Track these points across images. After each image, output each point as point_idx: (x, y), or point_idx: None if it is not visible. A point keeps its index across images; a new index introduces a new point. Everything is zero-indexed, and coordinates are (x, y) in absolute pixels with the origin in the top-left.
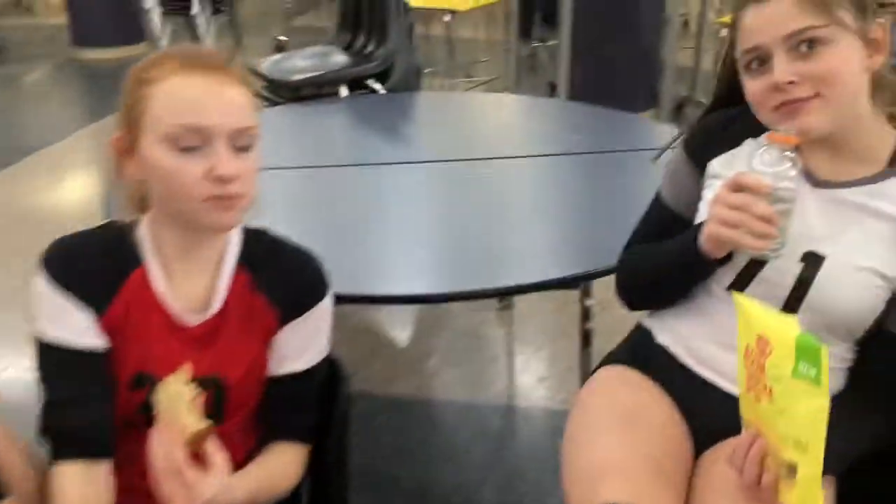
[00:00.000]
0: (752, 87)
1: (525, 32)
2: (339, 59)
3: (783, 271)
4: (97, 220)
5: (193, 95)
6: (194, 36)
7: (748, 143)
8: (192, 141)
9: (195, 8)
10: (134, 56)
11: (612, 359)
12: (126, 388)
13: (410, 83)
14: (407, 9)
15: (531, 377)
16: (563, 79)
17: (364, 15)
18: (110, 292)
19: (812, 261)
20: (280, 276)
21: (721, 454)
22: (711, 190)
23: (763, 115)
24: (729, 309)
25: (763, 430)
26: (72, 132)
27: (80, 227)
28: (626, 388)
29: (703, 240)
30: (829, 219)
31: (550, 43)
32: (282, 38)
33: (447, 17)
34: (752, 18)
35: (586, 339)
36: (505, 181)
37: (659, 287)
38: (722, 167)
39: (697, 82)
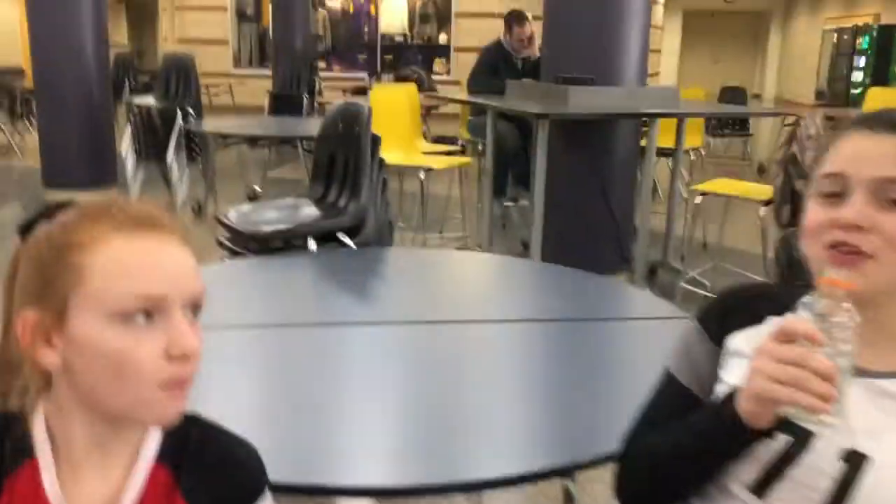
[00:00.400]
0: (814, 215)
1: (498, 191)
2: (310, 211)
3: (818, 471)
4: None
5: (143, 260)
6: (166, 182)
7: (771, 321)
8: (143, 313)
9: (170, 155)
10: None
11: None
12: None
13: (382, 238)
14: (381, 164)
15: None
16: (536, 238)
17: (337, 168)
18: None
19: (855, 461)
20: (207, 474)
21: None
22: (730, 370)
23: (811, 248)
24: None
25: None
26: None
27: None
28: None
29: (744, 404)
30: (872, 413)
31: (522, 203)
32: (255, 187)
33: (422, 174)
34: (851, 145)
35: None
36: (478, 348)
37: (678, 477)
38: (745, 343)
39: (669, 247)
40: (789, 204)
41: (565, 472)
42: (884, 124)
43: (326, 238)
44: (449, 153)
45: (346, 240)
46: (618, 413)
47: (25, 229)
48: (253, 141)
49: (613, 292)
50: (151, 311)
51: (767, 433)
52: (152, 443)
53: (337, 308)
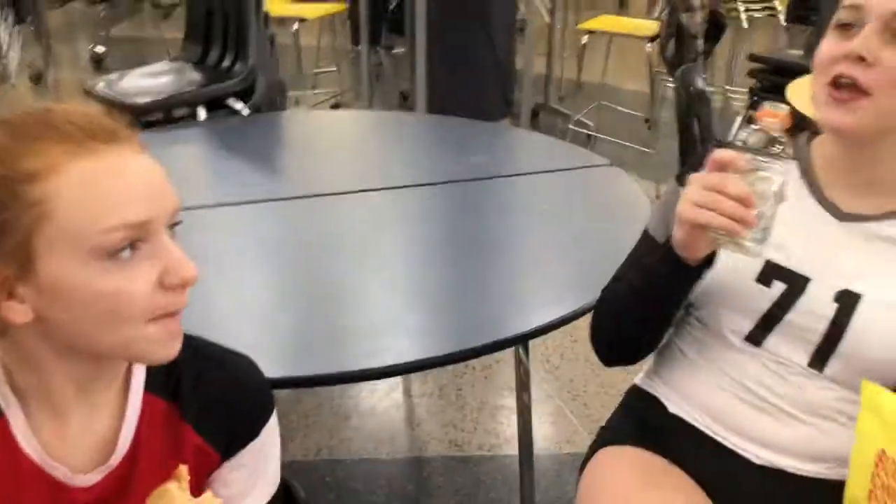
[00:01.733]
0: (826, 46)
1: (372, 40)
2: (192, 76)
3: (814, 314)
4: None
5: (118, 182)
6: None
7: None
8: (129, 242)
9: None
10: None
11: (612, 436)
12: None
13: (274, 101)
14: (267, 19)
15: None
16: (421, 90)
17: (216, 25)
18: None
19: (847, 300)
20: (213, 392)
21: None
22: None
23: (816, 84)
24: (756, 363)
25: None
26: None
27: None
28: (646, 477)
29: (676, 234)
30: (861, 255)
31: (397, 51)
32: (99, 49)
33: (295, 26)
34: None
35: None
36: (407, 212)
37: (643, 316)
38: None
39: (550, 90)
40: (674, 38)
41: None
42: None
43: (212, 105)
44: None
45: (238, 105)
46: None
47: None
48: None
49: (529, 144)
50: (136, 239)
51: (708, 264)
52: (139, 373)
53: (239, 183)
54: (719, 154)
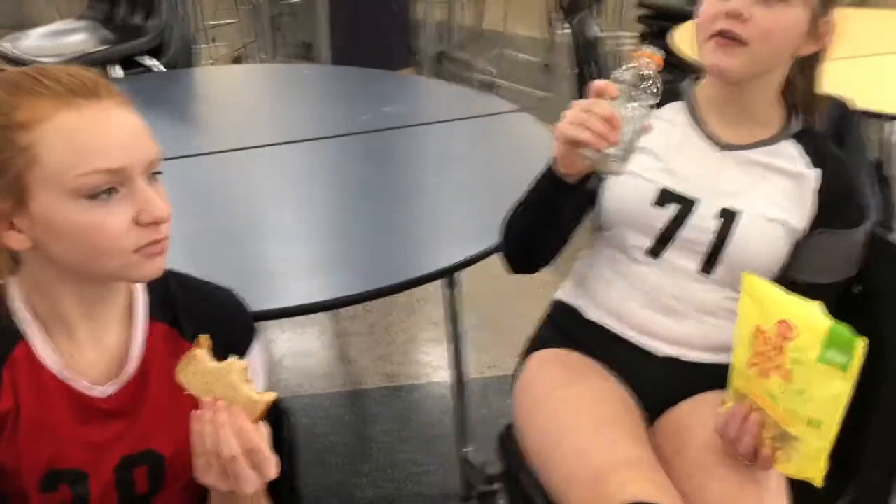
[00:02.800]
0: (708, 7)
1: None
2: (103, 34)
3: (702, 229)
4: None
5: (96, 133)
6: None
7: (653, 114)
8: (107, 186)
9: None
10: None
11: (539, 343)
12: (37, 493)
13: (188, 57)
14: None
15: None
16: (324, 41)
17: None
18: None
19: (728, 216)
20: (205, 320)
21: (682, 420)
22: None
23: (700, 37)
24: (656, 272)
25: (764, 404)
26: None
27: None
28: (571, 370)
29: (555, 151)
30: (738, 177)
31: (296, 1)
32: None
33: None
34: None
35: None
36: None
37: (532, 226)
38: None
39: (452, 37)
40: None
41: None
42: None
43: (125, 63)
44: None
45: (153, 62)
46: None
47: None
48: None
49: (440, 93)
50: (114, 184)
51: (583, 182)
52: (141, 298)
53: (159, 140)
54: (596, 83)
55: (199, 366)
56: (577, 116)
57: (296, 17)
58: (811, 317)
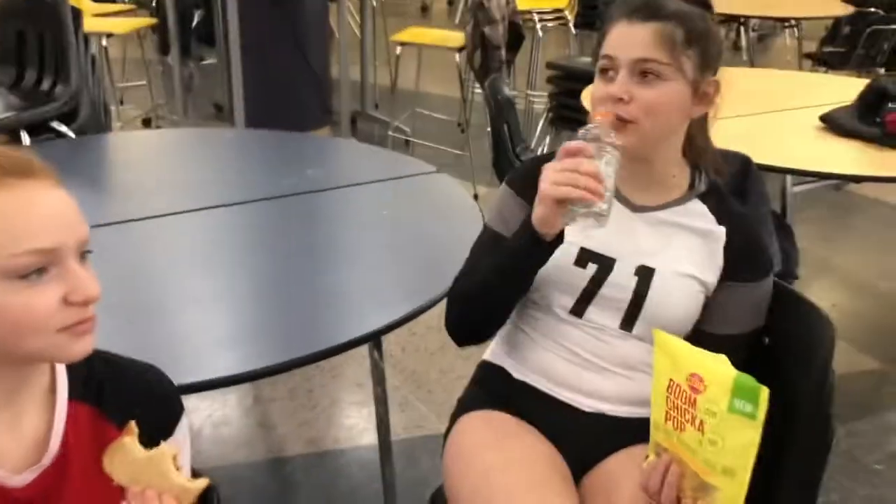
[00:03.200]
0: (597, 89)
1: (183, 51)
2: (10, 100)
3: (621, 287)
4: None
5: (29, 213)
6: None
7: None
8: (38, 266)
9: None
10: None
11: (468, 405)
12: None
13: (99, 123)
14: (86, 39)
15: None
16: (238, 102)
17: (30, 47)
18: None
19: (644, 273)
20: (131, 399)
21: (610, 475)
22: None
23: (594, 114)
24: (576, 329)
25: (682, 456)
26: None
27: None
28: (500, 431)
29: (536, 211)
30: (652, 237)
31: (207, 62)
32: None
33: (104, 41)
34: (616, 34)
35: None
36: (249, 228)
37: (496, 294)
38: None
39: (366, 96)
40: (480, 49)
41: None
42: (639, 15)
43: (34, 130)
44: (119, 12)
45: (63, 128)
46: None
47: None
48: None
49: (358, 155)
50: (45, 264)
51: (559, 240)
52: (62, 382)
53: (84, 209)
54: (571, 145)
55: (127, 455)
56: (564, 177)
57: (208, 77)
58: (718, 369)
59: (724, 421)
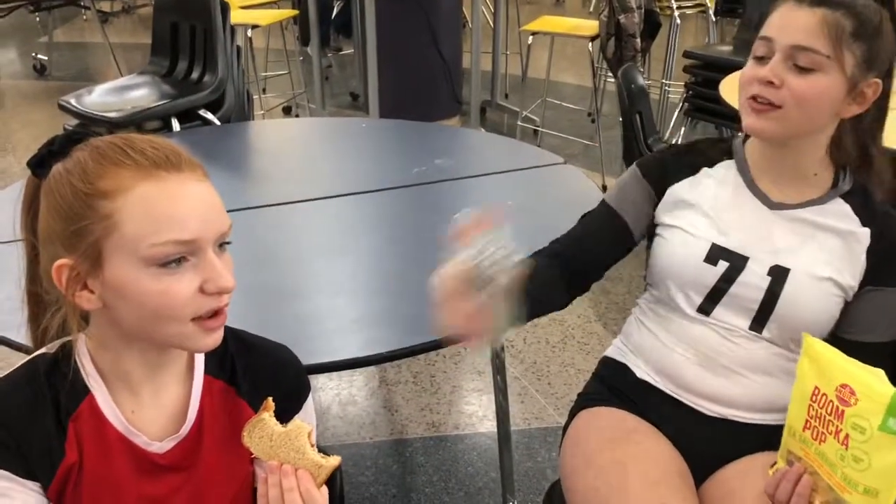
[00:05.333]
0: (747, 69)
1: (322, 42)
2: (163, 89)
3: (753, 286)
4: None
5: (175, 205)
6: None
7: (705, 172)
8: (178, 256)
9: None
10: None
11: (589, 401)
12: None
13: (242, 111)
14: (233, 31)
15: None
16: (373, 92)
17: (184, 39)
18: (58, 444)
19: (779, 273)
20: (262, 377)
21: (731, 481)
22: (677, 216)
23: (741, 98)
24: (706, 330)
25: (818, 468)
26: None
27: None
28: (620, 429)
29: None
30: (788, 236)
31: (345, 52)
32: (41, 56)
33: (249, 32)
34: (779, 14)
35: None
36: (384, 216)
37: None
38: (686, 192)
39: (497, 86)
40: (614, 37)
41: None
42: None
43: (183, 117)
44: (263, 4)
45: (209, 116)
46: None
47: (38, 164)
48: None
49: (488, 145)
50: (185, 253)
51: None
52: (200, 358)
53: (223, 194)
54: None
55: (265, 430)
56: None
57: (345, 67)
58: (874, 383)
59: (875, 439)
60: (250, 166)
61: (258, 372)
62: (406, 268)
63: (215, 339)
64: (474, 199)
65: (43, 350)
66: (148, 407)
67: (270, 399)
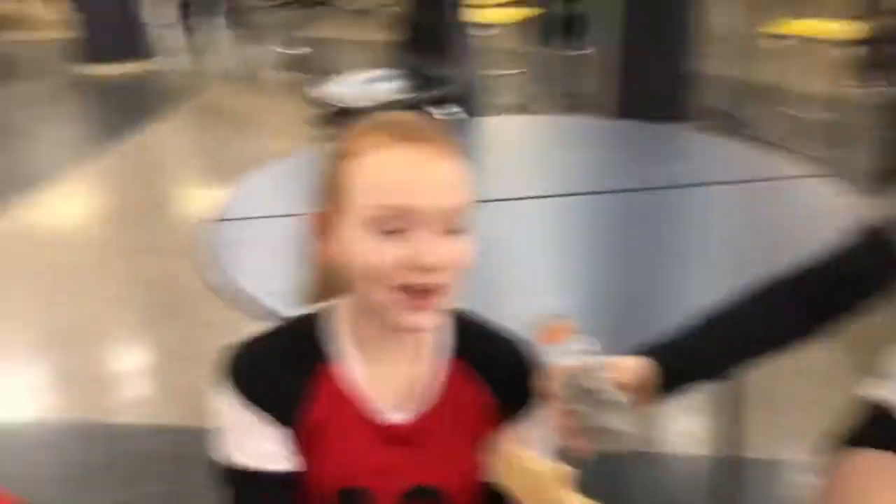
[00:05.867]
0: None
1: (559, 42)
2: (409, 83)
3: None
4: (108, 244)
5: (401, 172)
6: (195, 50)
7: None
8: (396, 224)
9: (215, 22)
10: (141, 72)
11: (852, 441)
12: None
13: (479, 106)
14: (468, 28)
15: None
16: (609, 93)
17: (427, 34)
18: (306, 398)
19: None
20: (502, 365)
21: None
22: None
23: None
24: None
25: None
26: (82, 151)
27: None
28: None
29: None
30: None
31: (581, 52)
32: (298, 50)
33: (494, 31)
34: None
35: None
36: (614, 220)
37: None
38: None
39: (732, 91)
40: (876, 43)
41: None
42: None
43: (424, 111)
44: (504, 4)
45: (452, 109)
46: None
47: (327, 122)
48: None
49: (718, 152)
50: (404, 222)
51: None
52: (446, 337)
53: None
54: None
55: (523, 465)
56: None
57: (581, 67)
58: None
59: None
60: (485, 160)
61: (499, 361)
62: (627, 273)
63: (422, 319)
64: (706, 208)
65: (306, 310)
66: (391, 376)
67: (570, 470)
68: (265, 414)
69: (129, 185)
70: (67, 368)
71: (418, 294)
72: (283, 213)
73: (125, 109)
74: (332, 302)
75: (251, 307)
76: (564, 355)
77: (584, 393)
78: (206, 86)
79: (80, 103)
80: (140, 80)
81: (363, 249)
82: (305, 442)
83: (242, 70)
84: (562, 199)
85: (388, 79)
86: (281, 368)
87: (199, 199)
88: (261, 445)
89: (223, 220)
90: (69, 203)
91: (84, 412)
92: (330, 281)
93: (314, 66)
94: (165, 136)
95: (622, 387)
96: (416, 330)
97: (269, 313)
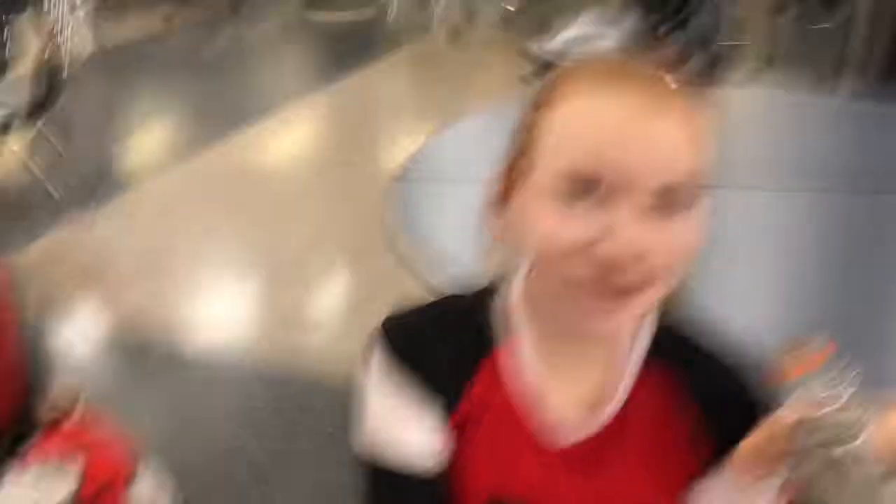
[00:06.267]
0: None
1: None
2: (628, 39)
3: None
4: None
5: (602, 126)
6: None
7: None
8: (589, 193)
9: None
10: (363, 19)
11: None
12: None
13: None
14: None
15: None
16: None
17: None
18: (464, 381)
19: None
20: (721, 382)
21: None
22: None
23: None
24: None
25: None
26: (303, 94)
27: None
28: None
29: None
30: None
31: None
32: (510, 7)
33: None
34: None
35: None
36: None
37: None
38: None
39: None
40: None
41: None
42: None
43: None
44: None
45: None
46: None
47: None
48: None
49: None
50: (593, 191)
51: None
52: (643, 335)
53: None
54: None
55: None
56: None
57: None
58: None
59: None
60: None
61: (719, 374)
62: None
63: (608, 322)
64: None
65: (482, 284)
66: (567, 378)
67: None
68: (421, 391)
69: (336, 130)
70: (261, 304)
71: (608, 292)
72: (477, 174)
73: (343, 54)
74: (514, 279)
75: (431, 273)
76: (811, 394)
77: (827, 453)
78: (426, 36)
79: (301, 47)
80: (362, 26)
81: (535, 219)
82: (455, 432)
83: (465, 22)
84: (810, 193)
85: (604, 37)
86: (446, 344)
87: (401, 148)
88: (409, 437)
89: (415, 179)
90: (279, 141)
91: (274, 352)
92: (509, 258)
93: (527, 23)
94: (379, 81)
95: (882, 452)
96: (601, 333)
97: (448, 281)
